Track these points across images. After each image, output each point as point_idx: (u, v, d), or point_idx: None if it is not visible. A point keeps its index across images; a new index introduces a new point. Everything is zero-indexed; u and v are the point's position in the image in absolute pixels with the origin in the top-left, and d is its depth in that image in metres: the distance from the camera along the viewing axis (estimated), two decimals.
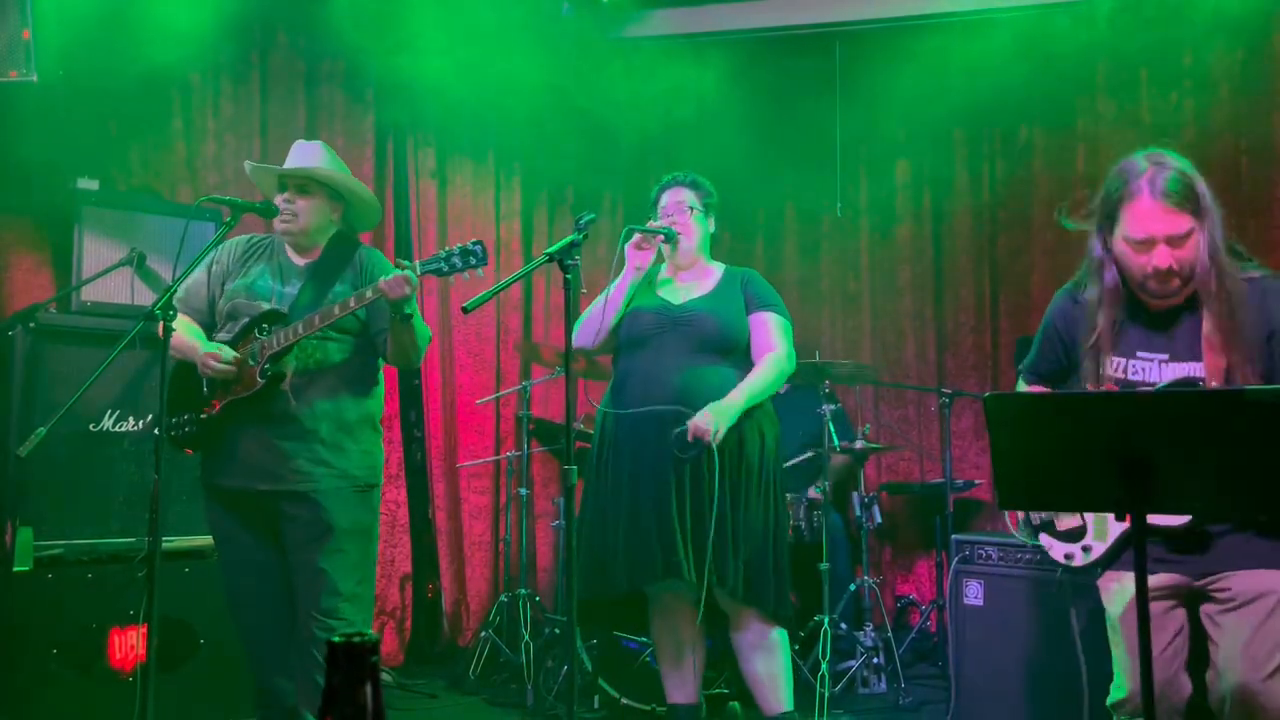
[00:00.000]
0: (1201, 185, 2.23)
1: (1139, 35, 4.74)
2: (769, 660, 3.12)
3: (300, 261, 3.09)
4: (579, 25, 5.03)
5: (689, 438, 3.00)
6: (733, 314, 3.19)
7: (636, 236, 3.21)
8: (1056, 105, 5.04)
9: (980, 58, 4.69)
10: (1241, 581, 2.20)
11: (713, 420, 2.99)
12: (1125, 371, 2.35)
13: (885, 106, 5.19)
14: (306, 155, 3.10)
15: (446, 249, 2.86)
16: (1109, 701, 2.39)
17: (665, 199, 3.31)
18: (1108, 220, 2.30)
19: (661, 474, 3.05)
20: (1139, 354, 2.33)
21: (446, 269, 2.83)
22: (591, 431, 4.64)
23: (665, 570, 3.01)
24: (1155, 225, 2.21)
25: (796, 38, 5.16)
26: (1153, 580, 2.25)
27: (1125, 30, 4.72)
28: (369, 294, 2.84)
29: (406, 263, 2.85)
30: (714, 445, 2.98)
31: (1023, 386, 2.63)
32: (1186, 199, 2.20)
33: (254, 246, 3.15)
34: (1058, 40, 4.69)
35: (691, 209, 3.26)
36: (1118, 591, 2.36)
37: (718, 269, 3.32)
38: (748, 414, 3.09)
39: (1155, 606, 2.27)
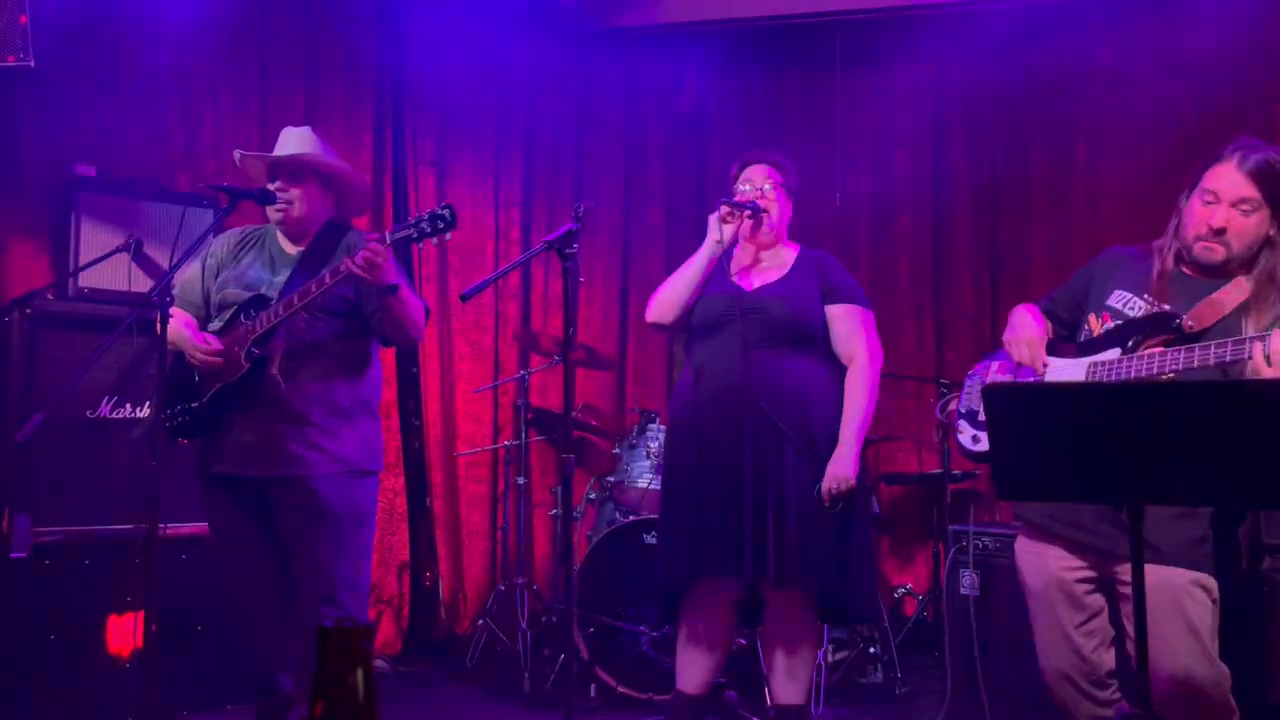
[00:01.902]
0: None
1: (1140, 25, 4.73)
2: (799, 653, 3.08)
3: (292, 250, 3.08)
4: (577, 13, 5.02)
5: (825, 502, 2.96)
6: (806, 302, 3.09)
7: (723, 209, 3.09)
8: (1058, 96, 5.03)
9: (981, 48, 4.68)
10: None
11: (841, 479, 2.95)
12: (1126, 305, 2.39)
13: (885, 95, 5.18)
14: (296, 142, 3.09)
15: (416, 216, 2.85)
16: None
17: (747, 175, 3.22)
18: (1193, 182, 2.35)
19: (726, 465, 2.98)
20: (1146, 295, 2.36)
21: (416, 235, 2.81)
22: (591, 422, 4.68)
23: (728, 566, 2.95)
24: (1225, 185, 2.26)
25: (796, 27, 5.14)
26: (1067, 562, 2.34)
27: (1127, 20, 4.71)
28: (342, 268, 2.81)
29: (374, 235, 2.84)
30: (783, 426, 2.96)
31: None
32: (1265, 177, 2.24)
33: (246, 238, 3.14)
34: (1059, 30, 4.67)
35: (781, 187, 3.19)
36: (1036, 565, 2.42)
37: (792, 251, 3.24)
38: (816, 405, 3.03)
39: (1077, 587, 2.35)
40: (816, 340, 3.10)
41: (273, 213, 3.05)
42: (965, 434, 2.57)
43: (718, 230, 3.10)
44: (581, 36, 5.00)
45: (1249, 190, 2.24)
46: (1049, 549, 2.37)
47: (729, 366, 3.02)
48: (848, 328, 3.12)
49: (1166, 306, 2.32)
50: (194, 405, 2.97)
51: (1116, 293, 2.41)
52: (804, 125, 5.42)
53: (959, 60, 4.76)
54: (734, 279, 3.15)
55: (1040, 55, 4.71)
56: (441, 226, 2.80)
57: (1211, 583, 2.24)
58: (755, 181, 3.19)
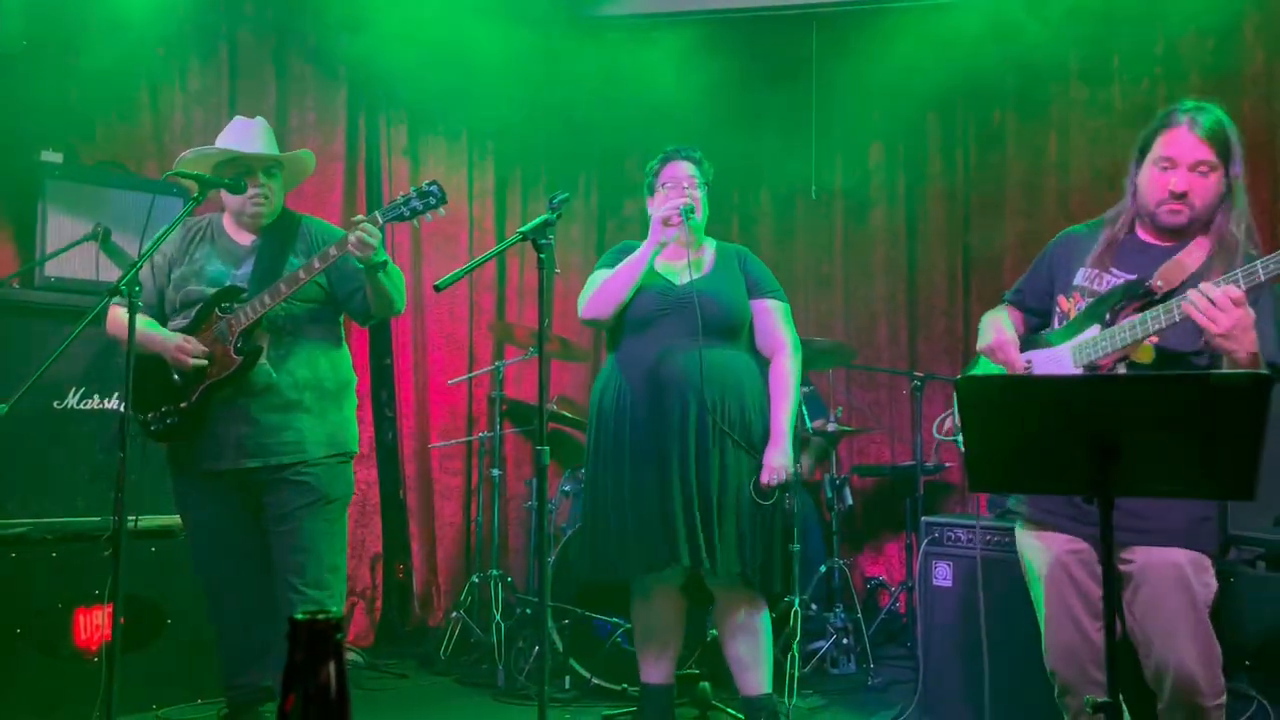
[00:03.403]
0: (1236, 141, 2.31)
1: (1111, 22, 4.76)
2: (753, 642, 3.15)
3: (245, 241, 3.05)
4: (553, 3, 4.99)
5: (763, 488, 3.03)
6: (735, 296, 3.16)
7: (672, 215, 3.09)
8: (1030, 91, 5.06)
9: (955, 42, 4.70)
10: (1142, 556, 2.25)
11: (780, 469, 3.03)
12: (1093, 282, 2.41)
13: (861, 89, 5.19)
14: (259, 137, 3.04)
15: (404, 194, 2.84)
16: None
17: (670, 171, 3.23)
18: (1142, 151, 2.38)
19: (663, 458, 3.03)
20: (1113, 269, 2.39)
21: (408, 213, 2.82)
22: (566, 414, 4.67)
23: (668, 557, 2.99)
24: (1181, 150, 2.29)
25: (772, 19, 5.14)
26: (1070, 545, 2.35)
27: (1098, 16, 4.75)
28: (333, 252, 2.81)
29: (362, 217, 2.82)
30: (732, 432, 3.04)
31: (1000, 306, 2.67)
32: (1218, 138, 2.29)
33: (191, 231, 3.09)
34: (1032, 25, 4.70)
35: (705, 184, 3.23)
36: (1039, 549, 2.43)
37: (710, 245, 3.29)
38: (751, 397, 3.09)
39: (1080, 569, 2.36)
40: (742, 333, 3.18)
41: (248, 207, 3.01)
42: None
43: (662, 232, 3.13)
44: (557, 25, 4.97)
45: (1204, 153, 2.28)
46: (1052, 535, 2.39)
47: (661, 361, 3.07)
48: (771, 321, 3.20)
49: (1134, 277, 2.35)
50: (183, 405, 2.93)
51: (1081, 271, 2.44)
52: (780, 118, 5.43)
53: (933, 55, 4.78)
54: (660, 274, 3.20)
55: (1013, 50, 4.74)
56: (433, 202, 2.81)
57: (1208, 562, 2.27)
58: (679, 180, 3.20)
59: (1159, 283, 2.28)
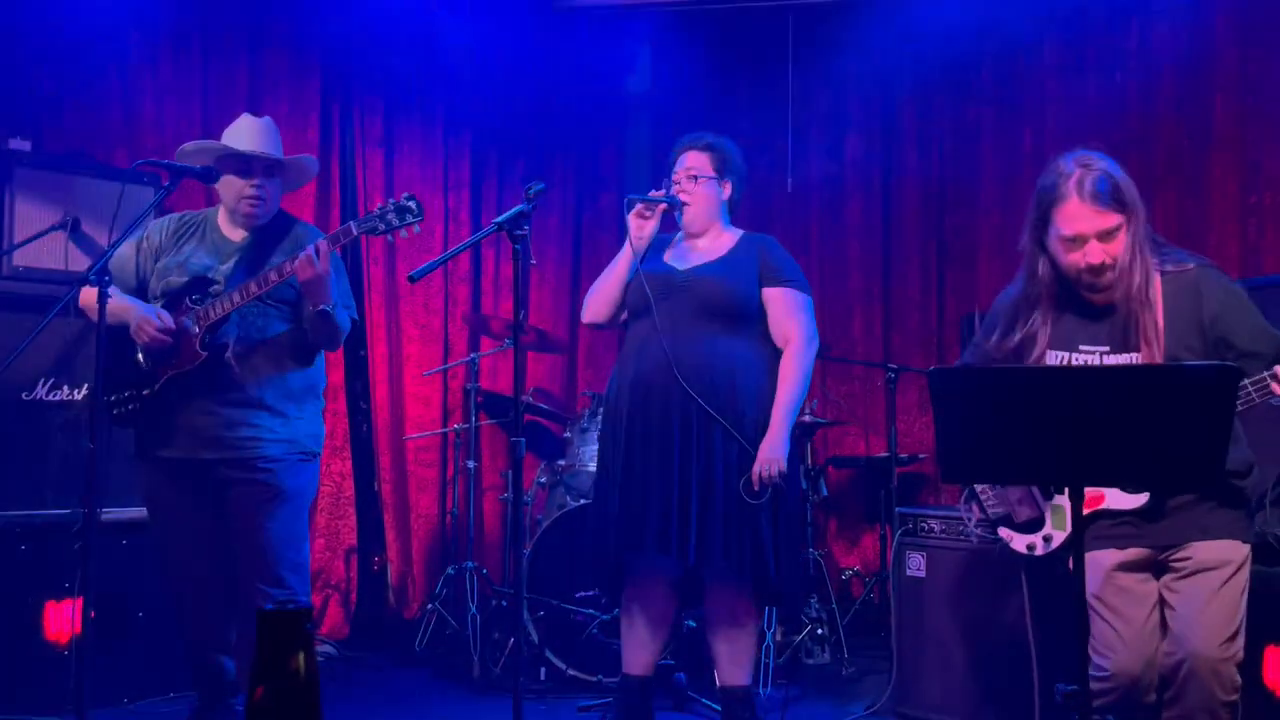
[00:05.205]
0: (1127, 183, 2.32)
1: (1086, 15, 4.79)
2: (738, 638, 3.12)
3: (236, 237, 3.03)
4: None
5: (754, 486, 2.95)
6: (741, 281, 3.08)
7: (638, 205, 3.11)
8: (1005, 84, 5.09)
9: (931, 35, 4.72)
10: (1200, 551, 2.28)
11: (771, 462, 2.95)
12: (1069, 364, 2.41)
13: (837, 82, 5.20)
14: (266, 137, 3.02)
15: (380, 206, 2.83)
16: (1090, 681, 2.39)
17: (678, 164, 3.21)
18: (1041, 221, 2.39)
19: (649, 445, 3.01)
20: (1081, 347, 2.40)
21: (383, 227, 2.80)
22: (542, 405, 4.66)
23: (639, 542, 2.98)
24: (1085, 224, 2.30)
25: (750, 10, 5.14)
26: (1121, 555, 2.34)
27: (1073, 10, 4.78)
28: (287, 268, 2.81)
29: (314, 245, 2.81)
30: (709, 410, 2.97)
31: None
32: (1113, 197, 2.29)
33: (186, 224, 3.08)
34: (1007, 18, 4.73)
35: (697, 178, 3.16)
36: (1091, 567, 2.37)
37: (734, 235, 3.22)
38: (744, 386, 3.03)
39: (1129, 579, 2.35)
40: (750, 320, 3.10)
41: (243, 208, 3.00)
42: (1018, 543, 2.55)
43: (635, 228, 3.13)
44: (533, 16, 4.95)
45: (1106, 220, 2.29)
46: (1099, 551, 2.37)
47: (657, 347, 3.03)
48: (784, 310, 3.11)
49: (1106, 348, 2.36)
50: (145, 393, 2.91)
51: (1050, 354, 2.43)
52: (756, 110, 5.43)
53: (909, 48, 4.80)
54: (668, 261, 3.18)
55: (989, 44, 4.76)
56: (409, 219, 2.82)
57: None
58: (679, 173, 3.19)
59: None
